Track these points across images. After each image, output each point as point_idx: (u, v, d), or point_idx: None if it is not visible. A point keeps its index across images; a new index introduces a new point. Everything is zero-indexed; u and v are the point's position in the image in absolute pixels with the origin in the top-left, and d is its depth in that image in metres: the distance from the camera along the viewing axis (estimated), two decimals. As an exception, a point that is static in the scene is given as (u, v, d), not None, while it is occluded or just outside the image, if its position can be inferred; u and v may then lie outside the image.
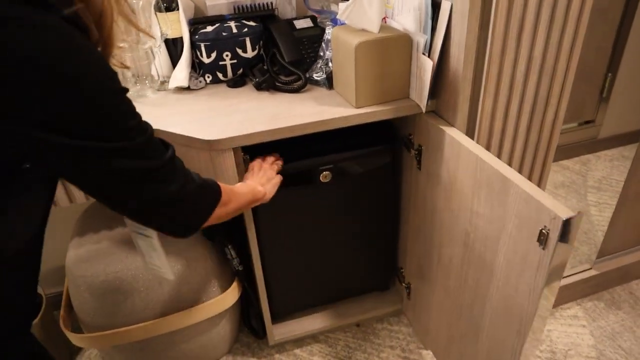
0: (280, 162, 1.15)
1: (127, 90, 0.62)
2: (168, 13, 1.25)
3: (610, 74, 2.30)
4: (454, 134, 1.03)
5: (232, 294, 1.33)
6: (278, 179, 1.11)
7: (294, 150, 1.18)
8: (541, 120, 1.14)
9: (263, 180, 1.06)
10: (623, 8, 2.15)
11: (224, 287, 1.33)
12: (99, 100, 0.56)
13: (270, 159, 1.14)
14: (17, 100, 0.50)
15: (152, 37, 0.82)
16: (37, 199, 0.65)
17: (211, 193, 0.81)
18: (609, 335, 1.52)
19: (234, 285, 1.33)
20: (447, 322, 1.25)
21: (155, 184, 0.67)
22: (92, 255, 1.23)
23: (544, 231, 0.80)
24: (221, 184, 0.84)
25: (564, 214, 0.76)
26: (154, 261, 1.08)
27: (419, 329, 1.48)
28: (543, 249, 0.82)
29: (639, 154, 1.43)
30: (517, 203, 0.86)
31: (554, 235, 0.78)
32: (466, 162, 0.99)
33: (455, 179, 1.05)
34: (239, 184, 1.03)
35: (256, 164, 1.11)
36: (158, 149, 0.67)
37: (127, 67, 0.89)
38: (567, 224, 0.76)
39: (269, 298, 1.37)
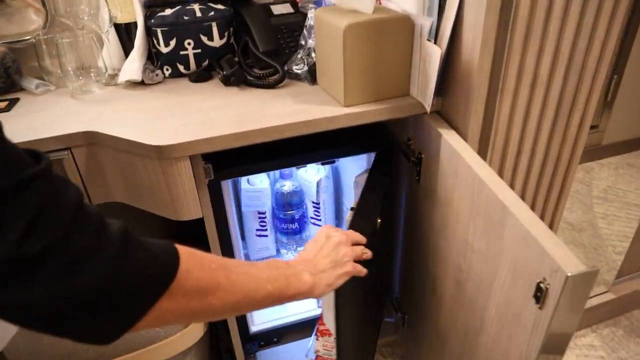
0: (368, 254, 0.77)
1: None
2: (118, -7, 1.04)
3: (615, 76, 2.14)
4: (453, 142, 0.82)
5: (196, 329, 1.11)
6: (347, 269, 0.71)
7: (269, 160, 0.97)
8: (566, 122, 0.95)
9: (319, 262, 0.68)
10: (629, 10, 1.99)
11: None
12: None
13: (354, 236, 0.77)
14: None
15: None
16: None
17: (161, 267, 0.44)
18: (632, 369, 1.33)
19: (198, 320, 1.12)
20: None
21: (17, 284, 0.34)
22: (40, 347, 1.00)
23: (542, 285, 0.59)
24: (190, 255, 0.47)
25: (570, 268, 0.54)
26: None
27: (416, 365, 1.28)
28: (540, 308, 0.61)
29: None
30: (514, 241, 0.65)
31: (554, 294, 0.57)
32: (464, 180, 0.78)
33: (452, 200, 0.84)
34: (266, 261, 0.64)
35: (328, 231, 0.74)
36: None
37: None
38: (573, 282, 0.55)
39: (239, 327, 1.15)
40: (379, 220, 0.93)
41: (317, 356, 0.97)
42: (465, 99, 0.85)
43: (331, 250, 0.70)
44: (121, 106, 0.95)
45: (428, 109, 0.88)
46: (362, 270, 0.74)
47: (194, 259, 0.47)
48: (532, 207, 1.04)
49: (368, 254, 0.77)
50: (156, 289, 0.43)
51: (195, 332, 1.12)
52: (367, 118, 0.87)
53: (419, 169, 0.99)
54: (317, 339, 0.95)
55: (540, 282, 0.60)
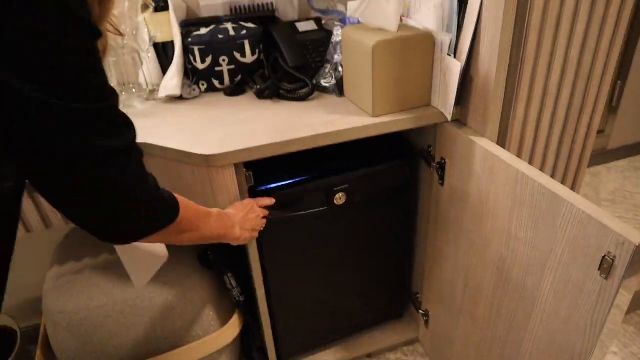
0: (265, 213, 1.02)
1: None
2: (157, 14, 1.12)
3: (620, 82, 2.21)
4: (487, 146, 0.90)
5: (232, 328, 1.18)
6: (257, 231, 0.99)
7: (301, 166, 1.05)
8: (575, 126, 1.03)
9: (245, 223, 0.93)
10: (632, 15, 2.07)
11: (224, 320, 1.18)
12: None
13: (263, 202, 1.00)
14: None
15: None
16: None
17: (164, 210, 0.67)
18: (643, 363, 1.39)
19: (235, 317, 1.19)
20: (474, 356, 1.11)
21: (104, 167, 0.53)
22: (72, 288, 1.08)
23: (607, 258, 0.68)
24: (184, 207, 0.70)
25: (637, 238, 0.64)
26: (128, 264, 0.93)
27: (437, 360, 1.34)
28: (606, 278, 0.69)
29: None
30: (571, 225, 0.73)
31: (622, 264, 0.66)
32: (504, 177, 0.86)
33: (488, 197, 0.92)
34: (218, 210, 0.87)
35: (248, 202, 0.96)
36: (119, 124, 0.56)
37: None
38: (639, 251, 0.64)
39: (273, 330, 1.22)
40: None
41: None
42: (484, 108, 0.92)
43: (253, 217, 0.95)
44: (164, 119, 1.03)
45: (449, 118, 0.96)
46: (254, 238, 1.01)
47: (186, 215, 0.71)
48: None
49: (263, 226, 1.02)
50: (163, 221, 0.66)
51: (230, 331, 1.19)
52: (394, 127, 0.95)
53: (441, 174, 1.06)
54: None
55: (606, 255, 0.68)
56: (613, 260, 0.67)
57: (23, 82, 0.45)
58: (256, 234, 0.99)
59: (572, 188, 1.12)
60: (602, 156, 2.38)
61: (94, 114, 0.51)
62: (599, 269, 0.70)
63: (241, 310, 1.21)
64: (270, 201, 1.01)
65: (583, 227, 0.71)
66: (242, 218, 0.92)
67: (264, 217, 1.00)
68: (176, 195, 0.70)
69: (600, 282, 0.70)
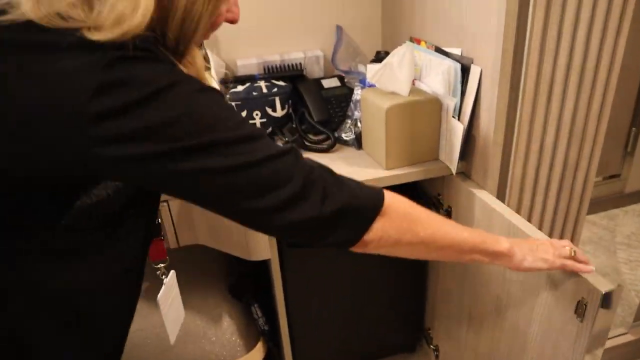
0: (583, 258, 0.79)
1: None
2: (201, 73, 1.29)
3: (634, 129, 2.28)
4: (486, 198, 1.02)
5: (257, 354, 1.30)
6: (558, 261, 0.77)
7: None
8: (571, 182, 1.13)
9: (532, 246, 0.77)
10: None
11: (249, 347, 1.30)
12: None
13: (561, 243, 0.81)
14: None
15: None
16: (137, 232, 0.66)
17: (364, 205, 0.62)
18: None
19: (259, 345, 1.31)
20: (478, 390, 1.20)
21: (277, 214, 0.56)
22: None
23: (582, 303, 0.78)
24: (397, 198, 0.66)
25: (603, 287, 0.74)
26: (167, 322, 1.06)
27: (447, 394, 1.42)
28: (581, 321, 0.79)
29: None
30: (553, 272, 0.84)
31: (593, 308, 0.76)
32: (499, 227, 0.97)
33: None
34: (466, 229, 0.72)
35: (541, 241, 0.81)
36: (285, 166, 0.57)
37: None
38: (607, 298, 0.74)
39: (293, 357, 1.33)
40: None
41: None
42: (484, 163, 1.04)
43: (545, 246, 0.77)
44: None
45: (454, 171, 1.08)
46: (579, 267, 0.77)
47: (394, 198, 0.66)
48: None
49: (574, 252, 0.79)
50: (372, 213, 0.63)
51: (255, 357, 1.30)
52: (405, 179, 1.08)
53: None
54: None
55: (580, 300, 0.77)
56: (586, 305, 0.77)
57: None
58: (551, 256, 0.76)
59: (572, 239, 1.21)
60: (618, 200, 2.44)
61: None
62: (575, 312, 0.79)
63: (265, 338, 1.33)
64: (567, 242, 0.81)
65: (562, 274, 0.81)
66: (529, 247, 0.77)
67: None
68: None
69: (577, 325, 0.80)
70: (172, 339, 1.03)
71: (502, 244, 0.73)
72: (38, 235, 0.56)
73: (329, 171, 0.62)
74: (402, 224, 0.65)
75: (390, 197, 0.65)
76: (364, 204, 0.62)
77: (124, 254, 0.67)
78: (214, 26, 0.63)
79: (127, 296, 0.73)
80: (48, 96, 0.48)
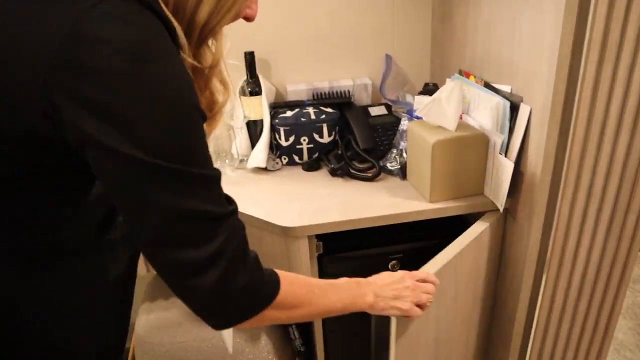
0: (426, 287, 0.88)
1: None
2: (251, 97, 1.34)
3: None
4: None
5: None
6: (403, 307, 0.83)
7: (363, 237, 1.20)
8: (621, 225, 1.10)
9: (384, 290, 0.82)
10: None
11: (284, 367, 1.33)
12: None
13: (419, 275, 0.90)
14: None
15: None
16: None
17: (260, 289, 0.63)
18: None
19: (294, 366, 1.33)
20: None
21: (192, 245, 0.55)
22: (161, 323, 1.27)
23: None
24: (285, 281, 0.66)
25: None
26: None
27: None
28: None
29: None
30: None
31: None
32: None
33: None
34: (349, 279, 0.80)
35: (397, 273, 0.87)
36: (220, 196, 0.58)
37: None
38: None
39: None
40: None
41: None
42: (530, 202, 1.04)
43: (400, 287, 0.84)
44: (251, 188, 1.22)
45: (501, 208, 1.08)
46: (417, 314, 0.85)
47: (290, 286, 0.67)
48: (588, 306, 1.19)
49: (429, 301, 0.88)
50: (264, 303, 0.64)
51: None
52: (448, 212, 1.09)
53: (489, 254, 1.17)
54: None
55: None
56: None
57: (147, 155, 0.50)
58: (408, 305, 0.83)
59: (620, 279, 1.18)
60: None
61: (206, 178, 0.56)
62: None
63: (300, 358, 1.35)
64: (426, 276, 0.90)
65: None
66: (380, 285, 0.83)
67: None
68: (279, 272, 0.67)
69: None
70: (230, 349, 1.10)
71: (367, 300, 0.79)
72: (45, 233, 0.60)
73: (243, 247, 0.61)
74: (287, 312, 0.67)
75: (283, 287, 0.65)
76: (259, 293, 0.63)
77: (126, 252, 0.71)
78: (238, 15, 0.63)
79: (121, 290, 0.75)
80: (23, 37, 0.48)
